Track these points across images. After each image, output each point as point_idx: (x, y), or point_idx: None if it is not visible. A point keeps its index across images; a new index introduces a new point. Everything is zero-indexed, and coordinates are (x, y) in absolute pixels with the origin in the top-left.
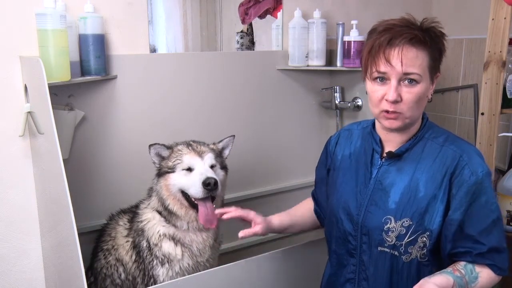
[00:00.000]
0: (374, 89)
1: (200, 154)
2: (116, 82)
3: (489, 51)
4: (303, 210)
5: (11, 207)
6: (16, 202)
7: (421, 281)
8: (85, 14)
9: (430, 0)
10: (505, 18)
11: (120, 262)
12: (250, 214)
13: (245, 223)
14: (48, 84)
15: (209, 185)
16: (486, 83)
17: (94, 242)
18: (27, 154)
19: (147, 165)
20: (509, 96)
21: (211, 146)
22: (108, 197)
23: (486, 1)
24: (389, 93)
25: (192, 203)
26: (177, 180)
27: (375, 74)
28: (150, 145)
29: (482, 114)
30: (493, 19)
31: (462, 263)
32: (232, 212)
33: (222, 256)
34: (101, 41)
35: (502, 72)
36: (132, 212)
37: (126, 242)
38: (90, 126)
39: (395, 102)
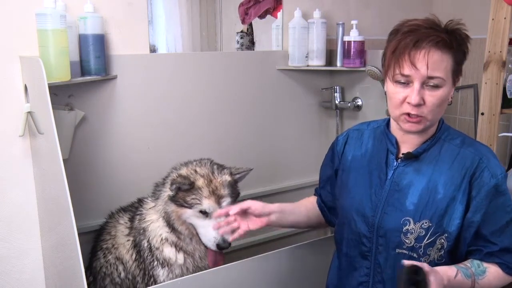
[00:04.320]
0: (395, 91)
1: (219, 200)
2: (116, 82)
3: (489, 51)
4: (303, 203)
5: (11, 207)
6: (16, 202)
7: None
8: (85, 14)
9: (430, 0)
10: (505, 18)
11: (120, 260)
12: (244, 205)
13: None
14: (48, 84)
15: (223, 249)
16: (486, 83)
17: (92, 241)
18: (27, 154)
19: (147, 165)
20: (509, 96)
21: (230, 179)
22: (108, 197)
23: (486, 1)
24: (411, 96)
25: None
26: (192, 218)
27: (398, 77)
28: (173, 182)
29: (482, 114)
30: (493, 19)
31: (469, 259)
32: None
33: None
34: (101, 41)
35: (502, 72)
36: (133, 210)
37: (127, 241)
38: (90, 126)
39: (417, 105)
